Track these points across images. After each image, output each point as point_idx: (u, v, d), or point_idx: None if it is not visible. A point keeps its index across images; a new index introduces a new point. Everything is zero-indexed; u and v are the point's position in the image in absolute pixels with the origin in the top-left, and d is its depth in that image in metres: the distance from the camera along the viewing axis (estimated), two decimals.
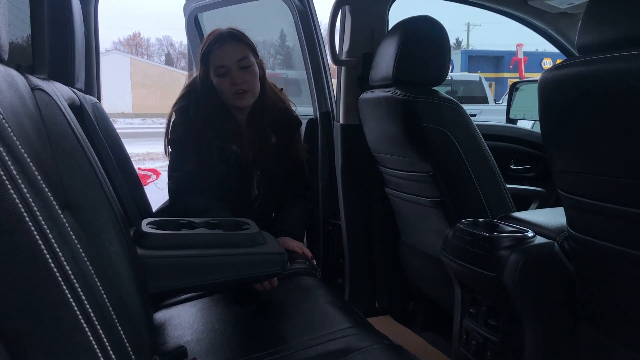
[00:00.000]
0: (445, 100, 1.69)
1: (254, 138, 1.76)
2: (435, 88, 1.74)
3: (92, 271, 0.62)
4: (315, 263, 1.72)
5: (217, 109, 1.71)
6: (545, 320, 1.33)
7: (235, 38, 1.68)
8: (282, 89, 1.89)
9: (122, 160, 1.80)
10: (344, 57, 2.14)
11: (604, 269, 1.17)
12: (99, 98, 2.09)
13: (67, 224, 0.63)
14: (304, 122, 2.35)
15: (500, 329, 1.41)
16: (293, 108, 1.90)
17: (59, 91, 1.08)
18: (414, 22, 1.77)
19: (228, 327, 1.28)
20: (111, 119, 1.84)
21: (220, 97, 1.70)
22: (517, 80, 3.18)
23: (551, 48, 2.48)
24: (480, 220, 1.55)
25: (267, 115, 1.77)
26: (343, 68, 2.15)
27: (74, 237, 0.63)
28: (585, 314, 1.27)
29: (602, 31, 1.00)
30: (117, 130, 1.82)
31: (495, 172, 1.71)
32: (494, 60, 21.79)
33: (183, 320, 1.35)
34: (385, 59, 1.81)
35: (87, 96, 1.72)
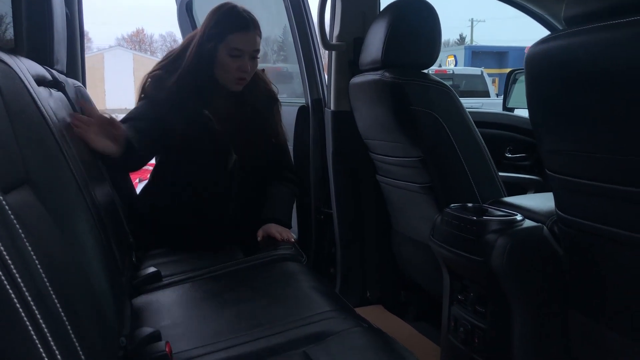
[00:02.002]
0: (434, 83, 1.65)
1: (233, 112, 1.74)
2: (443, 83, 1.69)
3: (30, 248, 0.58)
4: (299, 248, 1.69)
5: (206, 79, 1.69)
6: (534, 305, 1.29)
7: (257, 27, 1.69)
8: (263, 70, 1.87)
9: None
10: (334, 41, 2.10)
11: (593, 251, 1.14)
12: (83, 82, 2.05)
13: (4, 201, 0.59)
14: (295, 109, 2.31)
15: (488, 315, 1.37)
16: (275, 89, 1.87)
17: (28, 67, 1.04)
18: (404, 4, 1.73)
19: (205, 311, 1.25)
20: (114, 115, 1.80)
21: (215, 71, 1.68)
22: (515, 69, 3.13)
23: None
24: (470, 205, 1.51)
25: (249, 94, 1.75)
26: (334, 53, 2.11)
27: (12, 215, 0.59)
28: (575, 299, 1.23)
29: (587, 2, 0.96)
30: None
31: (486, 156, 1.67)
32: (498, 56, 21.68)
33: (161, 306, 1.32)
34: (374, 42, 1.77)
35: (70, 79, 1.68)
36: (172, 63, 1.72)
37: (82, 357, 0.59)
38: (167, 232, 1.73)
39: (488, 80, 10.78)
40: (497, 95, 11.53)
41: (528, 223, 1.33)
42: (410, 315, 2.17)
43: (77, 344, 0.58)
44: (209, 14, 1.71)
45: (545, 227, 1.32)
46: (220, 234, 1.70)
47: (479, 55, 20.80)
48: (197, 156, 1.70)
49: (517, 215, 1.36)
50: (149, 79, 1.72)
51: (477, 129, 1.69)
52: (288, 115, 2.22)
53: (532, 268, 1.29)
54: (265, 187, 1.87)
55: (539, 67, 1.08)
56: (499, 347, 1.34)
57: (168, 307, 1.30)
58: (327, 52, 2.17)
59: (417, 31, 1.70)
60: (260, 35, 1.70)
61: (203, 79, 1.68)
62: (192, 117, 1.68)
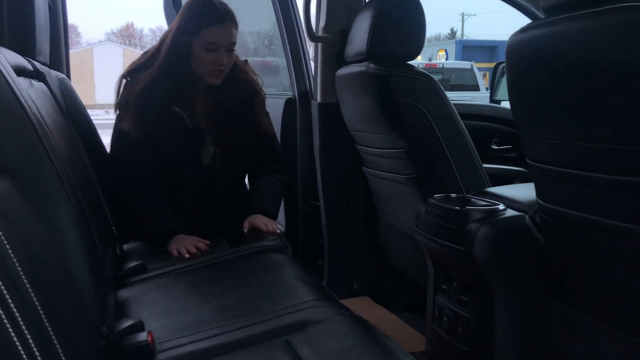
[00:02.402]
0: (419, 75, 1.66)
1: (211, 105, 1.72)
2: (427, 74, 1.70)
3: (5, 238, 0.58)
4: (285, 240, 1.69)
5: (182, 74, 1.67)
6: (516, 294, 1.31)
7: (233, 20, 1.67)
8: (246, 60, 1.84)
9: (91, 137, 1.76)
10: (320, 33, 2.09)
11: (573, 239, 1.15)
12: (68, 75, 2.04)
13: None
14: (282, 102, 2.31)
15: (471, 304, 1.38)
16: (258, 80, 1.83)
17: (7, 57, 1.04)
18: None
19: (189, 302, 1.25)
20: (104, 110, 1.81)
21: (192, 65, 1.67)
22: (502, 61, 3.13)
23: None
24: (453, 195, 1.52)
25: (229, 86, 1.73)
26: (320, 45, 2.11)
27: None
28: (556, 287, 1.24)
29: None
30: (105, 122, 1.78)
31: (470, 147, 1.68)
32: (489, 50, 21.70)
33: (145, 297, 1.32)
34: (359, 34, 1.77)
35: (53, 71, 1.68)
36: (147, 61, 1.70)
37: (57, 344, 0.59)
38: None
39: (478, 74, 10.80)
40: (487, 89, 11.56)
41: (510, 212, 1.34)
42: (397, 306, 2.18)
43: (51, 331, 0.58)
44: (184, 7, 1.68)
45: (527, 217, 1.33)
46: (204, 227, 1.69)
47: (469, 49, 20.82)
48: (171, 154, 1.69)
49: (499, 204, 1.37)
50: (125, 80, 1.70)
51: (461, 121, 1.69)
52: (275, 108, 2.22)
53: (513, 257, 1.31)
54: (251, 179, 1.86)
55: (519, 57, 1.09)
56: (482, 335, 1.35)
57: (152, 299, 1.30)
58: (313, 44, 2.17)
59: (402, 23, 1.71)
60: (236, 27, 1.67)
61: (179, 73, 1.66)
62: (161, 117, 1.66)
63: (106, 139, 1.87)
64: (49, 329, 0.59)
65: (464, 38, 28.66)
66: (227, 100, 1.73)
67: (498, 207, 1.34)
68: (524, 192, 1.49)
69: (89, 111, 2.00)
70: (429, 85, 1.65)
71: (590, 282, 1.14)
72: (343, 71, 1.90)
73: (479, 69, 11.36)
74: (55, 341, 0.59)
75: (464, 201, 1.45)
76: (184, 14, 1.66)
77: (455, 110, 1.69)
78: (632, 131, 0.90)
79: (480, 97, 8.96)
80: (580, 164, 1.02)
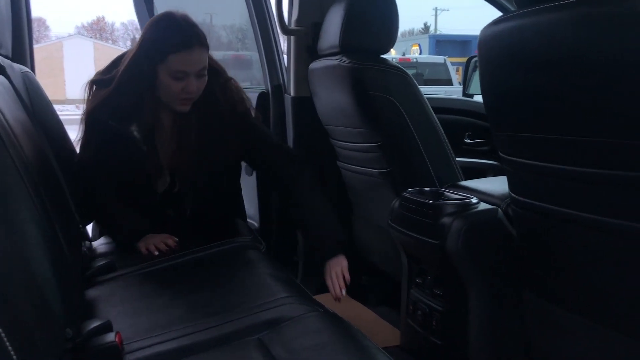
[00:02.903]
0: (392, 68, 1.65)
1: (176, 132, 1.56)
2: (401, 68, 1.68)
3: None
4: (258, 236, 1.67)
5: (143, 97, 1.52)
6: (489, 287, 1.31)
7: (202, 44, 1.48)
8: (230, 79, 1.64)
9: (57, 134, 1.71)
10: (293, 26, 2.07)
11: (546, 232, 1.15)
12: (32, 69, 1.98)
13: None
14: (255, 96, 2.28)
15: (445, 298, 1.38)
16: (245, 101, 1.66)
17: None
18: None
19: (159, 301, 1.22)
20: (75, 105, 1.74)
21: (157, 91, 1.51)
22: (475, 55, 3.15)
23: None
24: (427, 189, 1.52)
25: (203, 111, 1.57)
26: (292, 38, 2.09)
27: None
28: (529, 280, 1.25)
29: None
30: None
31: (443, 141, 1.68)
32: (461, 45, 21.90)
33: (114, 297, 1.28)
34: (332, 27, 1.75)
35: (16, 65, 1.62)
36: (111, 77, 1.54)
37: (9, 346, 0.56)
38: None
39: (451, 68, 10.89)
40: (460, 83, 11.66)
41: (483, 206, 1.35)
42: (372, 301, 2.17)
43: (4, 336, 0.56)
44: (147, 27, 1.52)
45: (500, 210, 1.33)
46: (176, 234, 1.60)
47: (442, 44, 20.99)
48: (123, 177, 1.57)
49: (472, 198, 1.37)
50: (91, 89, 1.57)
51: (434, 114, 1.69)
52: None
53: (487, 250, 1.31)
54: (276, 189, 1.70)
55: (491, 49, 1.08)
56: (456, 329, 1.35)
57: (121, 298, 1.27)
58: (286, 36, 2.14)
59: (374, 16, 1.69)
60: (207, 49, 1.51)
61: (138, 97, 1.51)
62: (113, 135, 1.52)
63: (77, 134, 1.80)
64: (2, 334, 0.56)
65: (437, 33, 28.86)
66: (192, 131, 1.56)
67: (471, 201, 1.34)
68: (497, 185, 1.49)
69: (59, 107, 1.95)
70: (402, 79, 1.64)
71: (563, 274, 1.14)
72: (316, 65, 1.88)
73: (452, 63, 11.46)
74: (9, 346, 0.56)
75: (437, 195, 1.45)
76: (147, 35, 1.49)
77: (429, 105, 1.68)
78: (609, 124, 0.90)
79: (453, 92, 9.04)
80: (555, 157, 1.02)
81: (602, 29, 0.82)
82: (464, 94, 2.95)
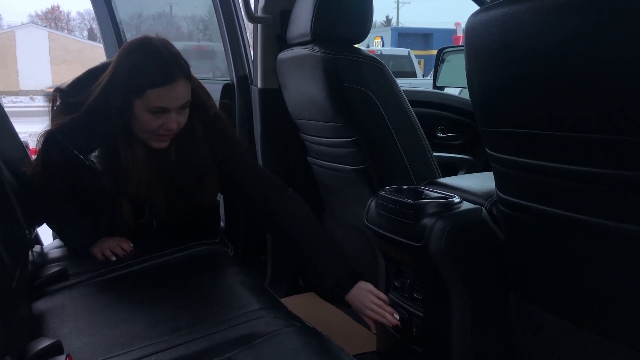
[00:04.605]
0: (366, 58, 1.56)
1: (145, 173, 1.39)
2: (376, 59, 1.57)
3: None
4: (225, 238, 1.56)
5: (118, 135, 1.34)
6: (473, 291, 1.24)
7: (186, 76, 1.32)
8: (220, 116, 1.49)
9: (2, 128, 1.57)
10: (259, 14, 1.95)
11: (534, 233, 1.08)
12: None
13: None
14: (219, 87, 2.16)
15: (426, 302, 1.31)
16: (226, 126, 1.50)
17: None
18: None
19: (118, 314, 1.11)
20: (29, 97, 1.58)
21: (131, 124, 1.34)
22: (445, 47, 3.10)
23: None
24: (405, 187, 1.44)
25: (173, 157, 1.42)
26: (259, 27, 1.97)
27: None
28: (515, 283, 1.18)
29: None
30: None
31: (420, 136, 1.60)
32: (423, 38, 22.05)
33: (67, 309, 1.16)
34: (302, 14, 1.65)
35: None
36: (78, 100, 1.36)
37: None
38: None
39: (415, 61, 10.90)
40: (424, 76, 11.70)
41: (466, 205, 1.27)
42: (343, 301, 2.09)
43: None
44: (123, 53, 1.32)
45: (484, 209, 1.26)
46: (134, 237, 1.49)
47: (405, 36, 21.10)
48: (81, 202, 1.44)
49: (454, 197, 1.29)
50: (54, 101, 1.41)
51: (410, 108, 1.61)
52: (212, 94, 2.07)
53: (471, 252, 1.23)
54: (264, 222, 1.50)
55: (480, 37, 1.00)
56: (438, 335, 1.28)
57: (74, 311, 1.15)
58: (252, 25, 2.02)
59: (348, 2, 1.60)
60: (190, 81, 1.34)
61: (109, 133, 1.34)
62: (75, 166, 1.38)
63: (31, 127, 1.63)
64: None
65: (399, 25, 29.00)
66: (168, 170, 1.42)
67: (453, 200, 1.27)
68: (478, 182, 1.42)
69: (12, 98, 1.79)
70: (378, 71, 1.55)
71: (551, 277, 1.08)
72: (285, 54, 1.78)
73: (415, 56, 11.47)
74: None
75: (417, 193, 1.37)
76: (123, 63, 1.30)
77: (405, 96, 1.60)
78: (608, 120, 0.83)
79: (418, 84, 9.06)
80: (550, 155, 0.95)
81: (615, 15, 0.75)
82: (434, 86, 2.89)
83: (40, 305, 1.19)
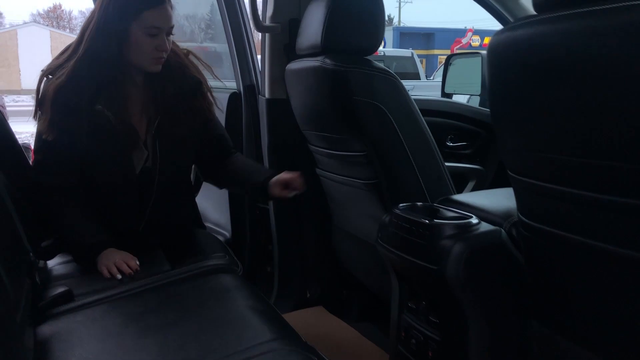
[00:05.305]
0: (379, 71, 1.51)
1: (146, 101, 1.55)
2: (388, 70, 1.54)
3: None
4: (234, 256, 1.52)
5: (110, 66, 1.47)
6: (493, 317, 1.19)
7: (170, 2, 1.50)
8: (188, 52, 1.66)
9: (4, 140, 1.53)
10: (267, 23, 1.91)
11: (558, 261, 1.04)
12: None
13: None
14: (226, 97, 2.12)
15: (442, 326, 1.26)
16: (201, 74, 1.66)
17: None
18: None
19: (125, 341, 1.07)
20: (31, 96, 1.58)
21: (128, 53, 1.48)
22: (454, 53, 3.05)
23: (479, 25, 2.35)
24: (419, 204, 1.40)
25: (167, 77, 1.56)
26: (267, 36, 1.93)
27: None
28: (536, 310, 1.14)
29: None
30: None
31: (434, 150, 1.56)
32: (425, 37, 22.01)
33: (73, 335, 1.12)
34: (313, 25, 1.61)
35: None
36: (70, 55, 1.49)
37: None
38: None
39: (418, 62, 10.85)
40: (427, 77, 11.65)
41: (485, 226, 1.23)
42: (352, 315, 2.05)
43: None
44: None
45: (503, 231, 1.22)
46: (138, 242, 1.49)
47: (406, 36, 21.08)
48: (96, 159, 1.49)
49: (472, 217, 1.25)
50: (45, 78, 1.49)
51: (424, 121, 1.57)
52: (218, 103, 2.03)
53: (490, 277, 1.19)
54: (190, 188, 1.70)
55: (504, 57, 0.96)
56: None
57: (80, 337, 1.11)
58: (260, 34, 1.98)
59: (360, 13, 1.55)
60: (172, 8, 1.52)
61: (106, 65, 1.46)
62: (81, 116, 1.45)
63: (33, 127, 1.63)
64: None
65: (401, 25, 28.91)
66: (166, 93, 1.55)
67: (471, 221, 1.22)
68: (495, 200, 1.38)
69: (14, 97, 1.77)
70: (390, 83, 1.51)
71: (576, 306, 1.04)
72: (294, 65, 1.73)
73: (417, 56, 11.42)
74: None
75: (432, 212, 1.33)
76: None
77: (419, 111, 1.56)
78: (632, 148, 0.79)
79: (421, 86, 9.01)
80: (575, 181, 0.91)
81: None
82: (443, 93, 2.85)
83: (45, 330, 1.15)
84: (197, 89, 1.61)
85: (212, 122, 1.68)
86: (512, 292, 1.18)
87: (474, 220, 1.23)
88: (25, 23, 30.59)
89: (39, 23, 34.16)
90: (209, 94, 1.64)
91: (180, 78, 1.58)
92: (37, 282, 1.24)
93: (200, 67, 1.68)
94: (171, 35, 1.52)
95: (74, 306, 1.25)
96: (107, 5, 1.44)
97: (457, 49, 17.70)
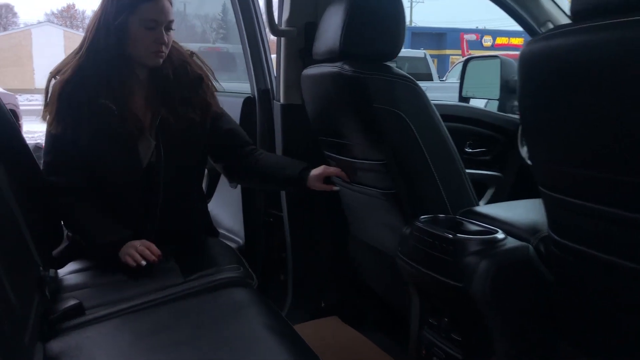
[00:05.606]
0: (400, 78, 1.46)
1: (150, 94, 1.57)
2: (409, 77, 1.48)
3: None
4: (249, 268, 1.47)
5: (113, 60, 1.50)
6: (519, 336, 1.14)
7: None
8: (192, 53, 1.68)
9: (9, 139, 1.50)
10: (283, 26, 1.87)
11: (592, 282, 0.98)
12: None
13: None
14: (240, 101, 2.08)
15: (465, 345, 1.21)
16: (206, 72, 1.67)
17: None
18: None
19: (138, 358, 1.03)
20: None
21: (129, 48, 1.50)
22: (471, 56, 2.99)
23: (491, 25, 2.29)
24: (441, 216, 1.35)
25: (171, 72, 1.58)
26: (283, 40, 1.88)
27: None
28: (565, 330, 1.08)
29: None
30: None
31: (456, 160, 1.50)
32: (436, 37, 21.86)
33: (83, 352, 1.08)
34: (330, 29, 1.56)
35: None
36: (76, 53, 1.53)
37: None
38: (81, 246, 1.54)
39: (431, 62, 10.75)
40: (440, 79, 11.55)
41: (512, 242, 1.17)
42: (368, 326, 2.00)
43: None
44: None
45: (531, 247, 1.16)
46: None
47: (418, 36, 20.95)
48: (102, 155, 1.50)
49: (498, 232, 1.20)
50: (53, 79, 1.52)
51: (445, 129, 1.51)
52: (232, 108, 2.00)
53: (518, 294, 1.14)
54: (202, 194, 1.69)
55: (538, 68, 0.90)
56: None
57: (90, 355, 1.07)
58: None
59: (380, 17, 1.50)
60: (171, 3, 1.53)
61: (109, 60, 1.49)
62: (87, 111, 1.48)
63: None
64: None
65: (413, 25, 28.77)
66: (169, 86, 1.57)
67: (497, 237, 1.17)
68: (520, 213, 1.33)
69: (27, 96, 1.78)
70: (411, 90, 1.46)
71: (609, 329, 0.99)
72: (311, 71, 1.69)
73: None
74: None
75: (455, 225, 1.28)
76: None
77: (440, 118, 1.51)
78: None
79: (435, 87, 8.92)
80: (613, 201, 0.85)
81: None
82: (460, 97, 2.78)
83: (55, 346, 1.12)
84: (198, 85, 1.61)
85: (222, 117, 1.69)
86: (539, 311, 1.13)
87: (500, 235, 1.18)
88: (40, 23, 30.85)
89: (52, 23, 34.42)
90: (212, 90, 1.66)
91: (182, 73, 1.59)
92: (46, 295, 1.20)
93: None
94: (172, 30, 1.53)
95: (85, 320, 1.21)
96: (107, 2, 1.48)
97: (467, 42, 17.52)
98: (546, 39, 0.87)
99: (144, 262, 1.39)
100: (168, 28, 1.52)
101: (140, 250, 1.41)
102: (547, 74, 0.89)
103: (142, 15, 1.47)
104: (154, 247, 1.44)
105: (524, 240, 1.19)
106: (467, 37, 18.87)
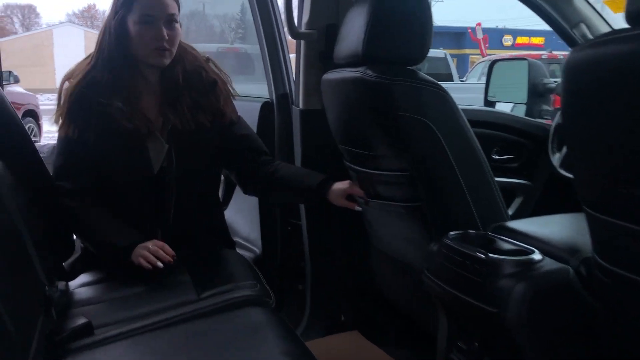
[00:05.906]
0: (427, 84, 1.38)
1: (161, 96, 1.54)
2: (436, 83, 1.40)
3: None
4: (267, 285, 1.40)
5: (121, 61, 1.49)
6: None
7: None
8: (208, 59, 1.64)
9: (18, 146, 1.45)
10: (303, 29, 1.79)
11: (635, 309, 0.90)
12: None
13: None
14: (258, 105, 2.02)
15: None
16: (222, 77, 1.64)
17: None
18: None
19: None
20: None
21: (132, 48, 1.48)
22: (498, 58, 2.90)
23: (511, 24, 2.18)
24: (472, 233, 1.26)
25: (182, 73, 1.54)
26: (303, 43, 1.81)
27: None
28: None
29: None
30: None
31: (486, 170, 1.42)
32: (455, 37, 21.67)
33: None
34: (353, 32, 1.48)
35: None
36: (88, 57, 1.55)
37: None
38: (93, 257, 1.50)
39: (451, 63, 10.61)
40: (461, 79, 11.41)
41: (549, 263, 1.08)
42: (390, 342, 1.92)
43: None
44: None
45: (571, 270, 1.07)
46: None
47: (438, 35, 20.75)
48: (114, 159, 1.48)
49: (534, 252, 1.11)
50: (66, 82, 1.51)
51: (475, 137, 1.43)
52: (250, 113, 1.93)
53: (556, 321, 1.05)
54: (217, 202, 1.67)
55: (586, 77, 0.82)
56: None
57: None
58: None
59: (405, 19, 1.42)
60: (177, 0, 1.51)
61: (118, 60, 1.48)
62: (99, 114, 1.46)
63: None
64: None
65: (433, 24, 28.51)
66: (178, 90, 1.53)
67: (533, 258, 1.08)
68: (557, 229, 1.24)
69: (48, 95, 1.79)
70: (439, 97, 1.37)
71: None
72: (332, 75, 1.61)
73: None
74: None
75: (486, 242, 1.19)
76: None
77: (468, 125, 1.42)
78: None
79: (455, 88, 8.78)
80: None
81: None
82: (486, 101, 2.69)
83: None
84: (211, 90, 1.58)
85: (236, 122, 1.65)
86: (579, 340, 1.04)
87: (537, 255, 1.09)
88: (61, 23, 31.24)
89: (74, 23, 34.83)
90: (226, 95, 1.62)
91: (195, 77, 1.56)
92: (52, 315, 1.14)
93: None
94: (176, 25, 1.49)
95: (94, 341, 1.15)
96: (111, 4, 1.49)
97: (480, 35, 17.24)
98: (594, 46, 0.79)
99: (160, 264, 1.34)
100: (169, 22, 1.47)
101: (153, 251, 1.37)
102: (596, 84, 0.80)
103: (139, 10, 1.45)
104: (167, 247, 1.39)
105: (563, 261, 1.10)
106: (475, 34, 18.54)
